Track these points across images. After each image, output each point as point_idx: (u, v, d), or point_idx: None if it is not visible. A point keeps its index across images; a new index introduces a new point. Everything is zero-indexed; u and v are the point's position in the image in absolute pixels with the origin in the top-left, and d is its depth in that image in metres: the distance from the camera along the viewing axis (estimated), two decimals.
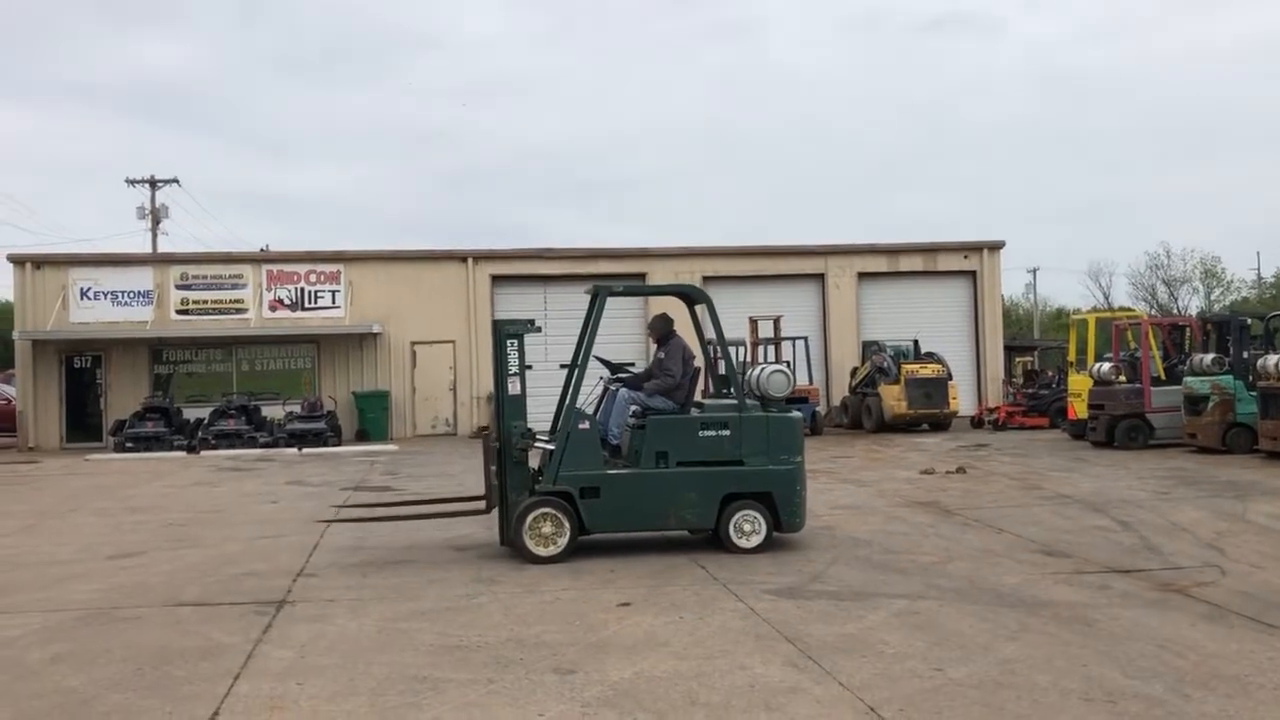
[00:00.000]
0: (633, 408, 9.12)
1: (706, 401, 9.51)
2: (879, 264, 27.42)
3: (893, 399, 22.61)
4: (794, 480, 8.96)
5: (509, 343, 8.83)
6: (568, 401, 8.88)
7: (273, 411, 23.75)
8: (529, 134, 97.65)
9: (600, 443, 8.90)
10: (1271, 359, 15.11)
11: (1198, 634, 6.37)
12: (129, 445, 21.81)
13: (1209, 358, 16.44)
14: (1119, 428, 17.33)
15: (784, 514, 8.92)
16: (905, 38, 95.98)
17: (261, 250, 30.25)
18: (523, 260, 26.18)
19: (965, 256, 27.64)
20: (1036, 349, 33.23)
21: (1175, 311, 52.88)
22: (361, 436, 24.51)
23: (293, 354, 25.76)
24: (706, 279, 25.65)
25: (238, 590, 7.90)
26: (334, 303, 25.80)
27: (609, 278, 24.53)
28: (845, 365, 26.06)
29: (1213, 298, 58.06)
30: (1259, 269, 59.67)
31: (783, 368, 9.47)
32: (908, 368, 22.89)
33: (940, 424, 22.96)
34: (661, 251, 26.88)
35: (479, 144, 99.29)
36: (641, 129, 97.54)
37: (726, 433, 8.86)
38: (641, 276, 25.35)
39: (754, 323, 22.29)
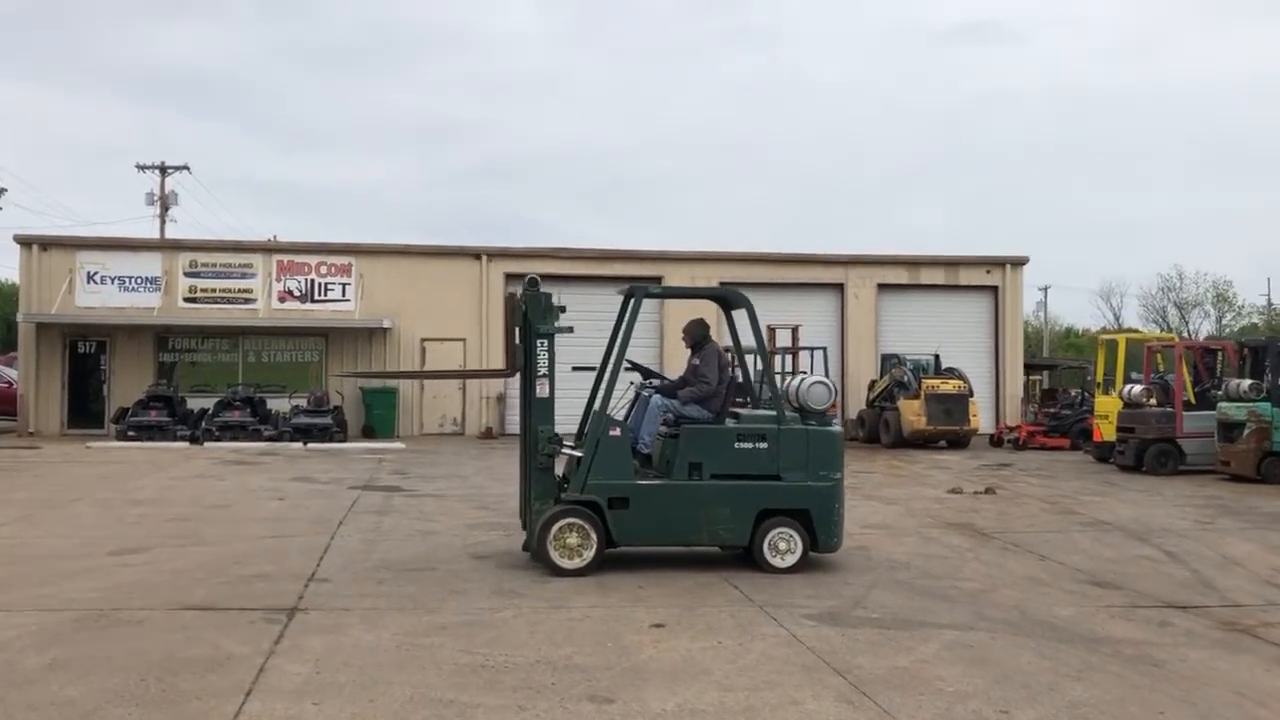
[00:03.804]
0: (665, 415, 8.69)
1: (743, 412, 9.07)
2: (899, 276, 26.97)
3: (912, 414, 22.16)
4: (833, 498, 8.53)
5: (539, 342, 8.40)
6: (598, 406, 8.45)
7: (278, 404, 23.34)
8: (546, 133, 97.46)
9: (631, 451, 8.47)
10: None
11: (1276, 681, 5.95)
12: (131, 434, 21.39)
13: (1246, 383, 15.98)
14: (1149, 452, 16.87)
15: (821, 533, 8.49)
16: (925, 48, 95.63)
17: (269, 240, 29.83)
18: (537, 259, 25.72)
19: (988, 271, 27.19)
20: (1057, 368, 32.78)
21: (1186, 334, 52.37)
22: (367, 433, 24.08)
23: (300, 346, 25.33)
24: (723, 284, 25.18)
25: (247, 594, 7.47)
26: (344, 296, 25.38)
27: (625, 279, 24.00)
28: (862, 377, 25.61)
29: (1224, 322, 57.56)
30: (1269, 295, 59.16)
31: (824, 379, 9.05)
32: (928, 383, 22.43)
33: (959, 442, 22.49)
34: (679, 255, 26.46)
35: (496, 142, 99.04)
36: (660, 133, 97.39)
37: (764, 445, 8.43)
38: (658, 279, 24.89)
39: (772, 331, 21.84)
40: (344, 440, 22.21)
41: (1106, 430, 18.77)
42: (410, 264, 25.75)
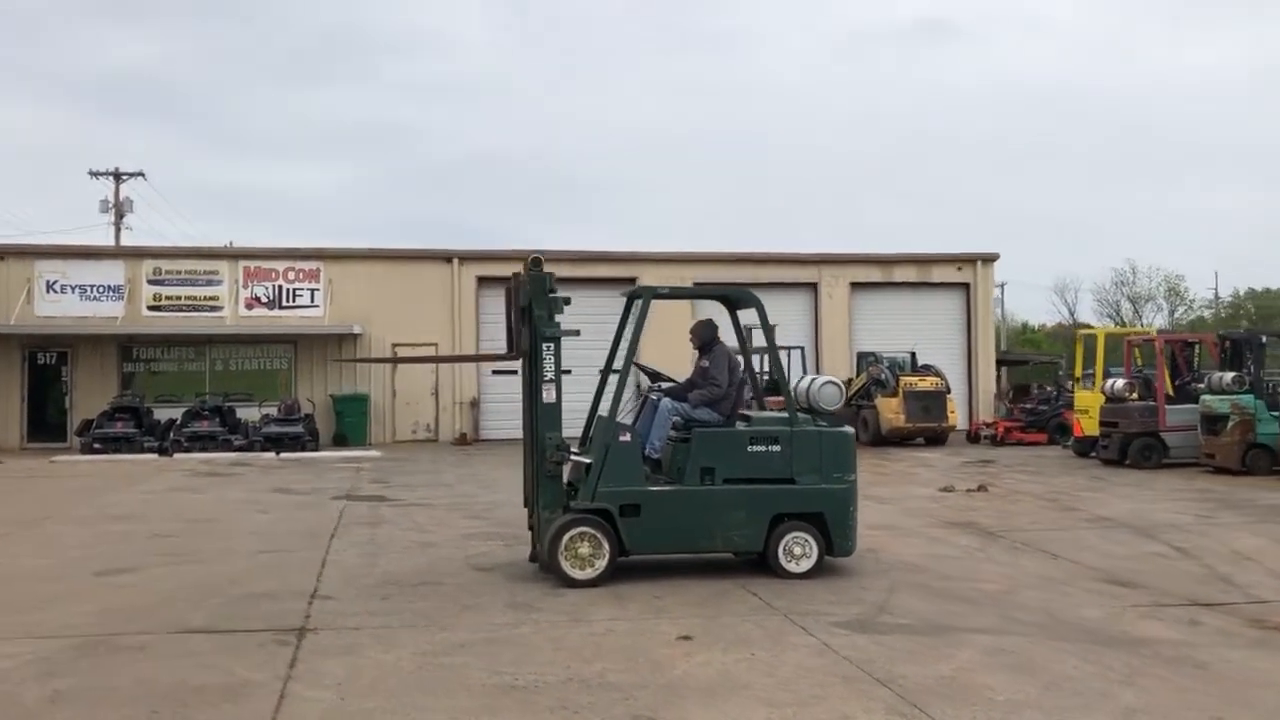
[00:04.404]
0: (674, 419, 8.45)
1: (754, 414, 8.86)
2: (872, 274, 26.95)
3: (890, 412, 22.10)
4: (848, 501, 8.35)
5: (545, 346, 8.13)
6: (607, 411, 8.20)
7: (247, 414, 22.82)
8: (510, 137, 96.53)
9: (641, 457, 8.23)
10: None
11: None
12: (97, 446, 20.80)
13: (1229, 376, 16.04)
14: (1133, 446, 16.89)
15: (836, 537, 8.30)
16: (880, 49, 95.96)
17: (229, 245, 29.24)
18: (510, 261, 25.31)
19: (958, 268, 27.25)
20: (1028, 363, 32.91)
21: (1140, 327, 52.98)
22: (339, 441, 23.63)
23: (269, 354, 24.80)
24: (697, 284, 25.01)
25: (250, 614, 7.14)
26: (313, 302, 24.89)
27: (600, 282, 23.91)
28: (838, 376, 25.49)
29: (1176, 315, 58.33)
30: (1216, 288, 60.14)
31: (835, 379, 8.87)
32: (906, 380, 22.38)
33: (937, 439, 22.47)
34: (653, 256, 26.26)
35: (449, 146, 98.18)
36: (620, 136, 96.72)
37: (777, 448, 8.23)
38: (632, 280, 24.61)
39: (749, 331, 21.65)
40: (316, 449, 21.75)
41: (1087, 425, 18.80)
42: (380, 268, 25.33)
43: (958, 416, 23.34)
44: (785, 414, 8.44)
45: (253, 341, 24.55)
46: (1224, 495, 13.34)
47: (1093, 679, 5.76)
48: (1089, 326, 56.36)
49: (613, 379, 8.59)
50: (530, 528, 8.63)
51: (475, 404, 25.15)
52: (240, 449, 20.97)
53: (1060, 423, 22.10)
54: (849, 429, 8.66)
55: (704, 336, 8.78)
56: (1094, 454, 18.30)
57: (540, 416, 8.16)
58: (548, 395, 8.15)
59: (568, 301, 8.28)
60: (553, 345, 8.15)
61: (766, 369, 20.99)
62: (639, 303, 8.42)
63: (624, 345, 8.56)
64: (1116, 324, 56.07)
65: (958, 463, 18.40)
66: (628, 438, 8.13)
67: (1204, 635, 6.74)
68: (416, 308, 24.94)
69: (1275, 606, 7.50)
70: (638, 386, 9.77)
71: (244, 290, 24.56)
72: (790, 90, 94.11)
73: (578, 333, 8.31)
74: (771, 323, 8.97)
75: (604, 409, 8.75)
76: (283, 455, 20.49)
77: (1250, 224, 78.73)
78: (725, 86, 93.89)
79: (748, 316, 9.16)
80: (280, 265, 24.85)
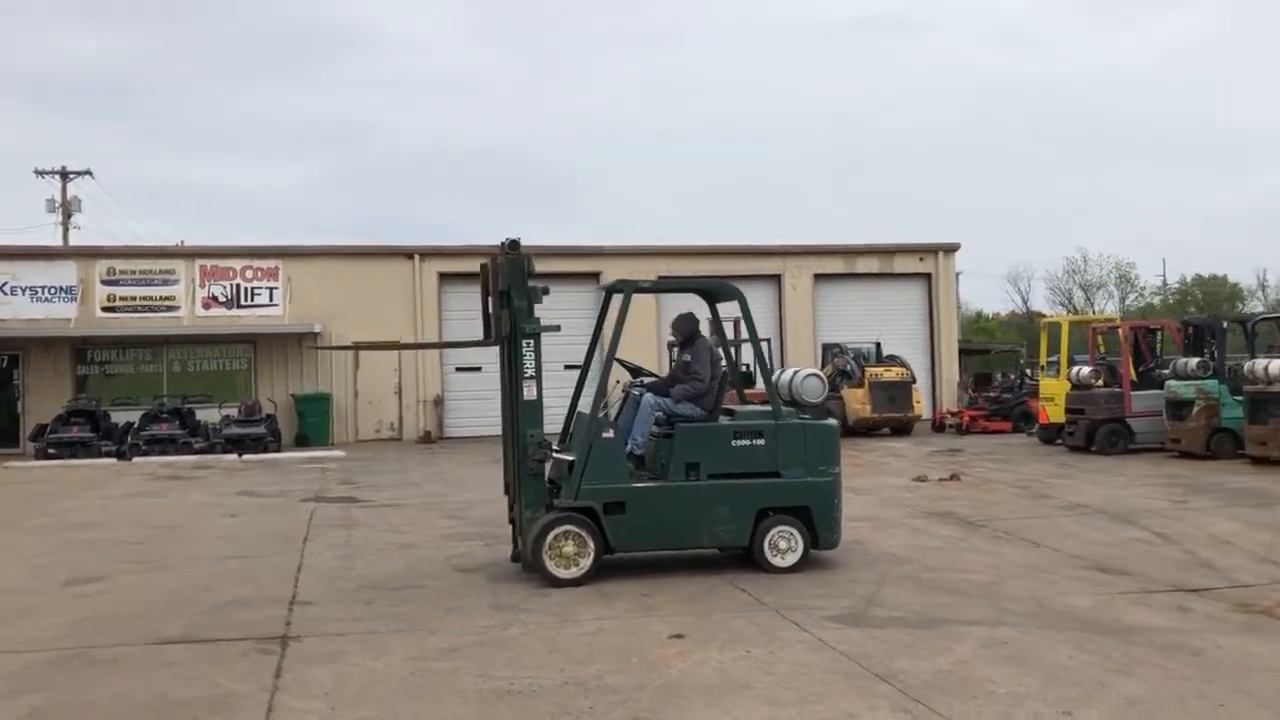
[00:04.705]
0: (657, 414, 8.34)
1: (737, 408, 8.77)
2: (835, 265, 26.99)
3: (857, 403, 22.13)
4: (833, 493, 8.28)
5: (525, 343, 7.98)
6: (591, 408, 8.07)
7: (207, 415, 22.40)
8: (470, 133, 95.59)
9: (624, 453, 8.11)
10: (1261, 363, 14.90)
11: None
12: (52, 452, 20.29)
13: (1194, 362, 16.21)
14: (1100, 432, 17.03)
15: (821, 530, 8.23)
16: (825, 39, 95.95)
17: (181, 244, 28.70)
18: (472, 257, 24.83)
19: (920, 259, 27.36)
20: (990, 351, 33.18)
21: (1091, 314, 53.67)
22: (301, 441, 23.27)
23: (227, 354, 24.37)
24: (661, 277, 24.90)
25: (229, 623, 6.94)
26: (272, 300, 24.48)
27: (563, 277, 23.63)
28: (803, 368, 25.52)
29: (1127, 302, 59.17)
30: (1164, 276, 61.21)
31: (818, 371, 8.80)
32: (872, 371, 22.44)
33: (904, 428, 22.54)
34: (617, 250, 26.11)
35: (414, 141, 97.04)
36: (587, 130, 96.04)
37: (761, 442, 8.15)
38: (596, 276, 24.51)
39: (729, 323, 21.61)
40: (279, 450, 21.41)
41: (1053, 412, 18.94)
42: (340, 265, 24.97)
43: (923, 406, 23.44)
44: (768, 407, 8.36)
45: (211, 342, 24.12)
46: (1192, 480, 13.46)
47: (1091, 669, 5.73)
48: (1043, 315, 57.28)
49: (595, 374, 8.46)
50: (511, 522, 8.50)
51: (439, 402, 24.89)
52: (201, 451, 20.59)
53: (1024, 410, 22.27)
54: (833, 421, 8.61)
55: (685, 330, 8.67)
56: (1059, 441, 18.45)
57: (521, 413, 8.01)
58: (529, 392, 8.01)
59: (546, 291, 8.16)
60: (533, 341, 8.01)
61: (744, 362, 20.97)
62: (619, 297, 8.29)
63: (605, 340, 8.43)
64: (1069, 311, 56.81)
65: (926, 452, 18.46)
66: (611, 434, 8.01)
67: (1194, 621, 6.75)
68: (378, 305, 24.58)
69: (1259, 590, 7.53)
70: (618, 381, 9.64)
71: (201, 290, 24.11)
72: (751, 82, 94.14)
73: (558, 328, 8.17)
74: (736, 315, 8.81)
75: (584, 405, 8.65)
76: (245, 457, 20.14)
77: (1200, 212, 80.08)
78: (688, 80, 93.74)
79: (728, 310, 9.07)
80: (238, 264, 24.42)
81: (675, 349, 9.66)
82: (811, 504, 8.19)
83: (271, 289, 24.53)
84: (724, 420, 8.38)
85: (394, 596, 7.62)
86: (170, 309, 23.94)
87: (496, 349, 8.39)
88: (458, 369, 25.29)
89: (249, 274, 24.43)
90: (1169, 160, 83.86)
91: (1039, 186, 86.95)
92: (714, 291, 9.08)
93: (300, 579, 8.29)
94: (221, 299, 24.21)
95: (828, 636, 6.39)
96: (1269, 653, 6.04)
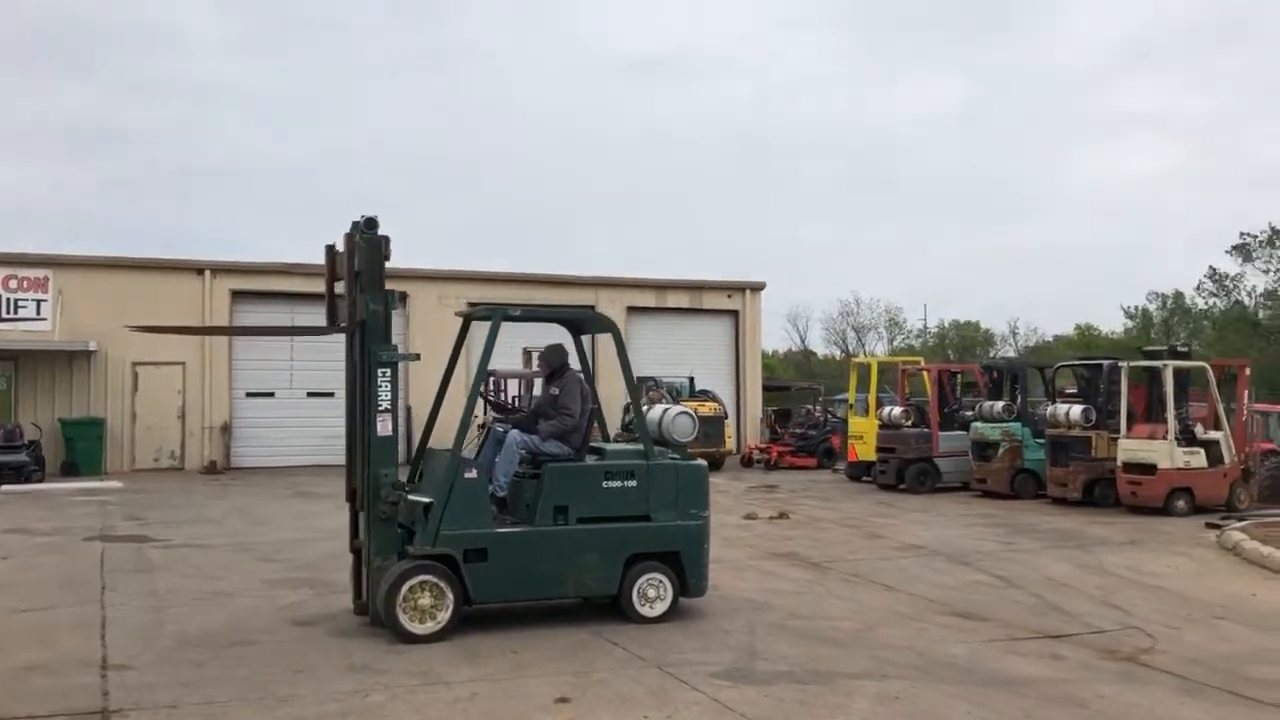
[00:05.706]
0: (521, 453, 7.78)
1: (607, 447, 8.31)
2: (648, 299, 26.97)
3: None
4: (703, 538, 7.95)
5: (381, 372, 7.29)
6: (454, 444, 7.42)
7: None
8: (228, 146, 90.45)
9: (487, 495, 7.51)
10: (1063, 407, 15.67)
11: (1197, 713, 5.94)
12: None
13: (999, 405, 16.92)
14: (910, 471, 17.52)
15: (691, 577, 7.88)
16: (606, 80, 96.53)
17: None
18: (268, 275, 23.63)
19: (729, 296, 27.74)
20: (790, 389, 33.97)
21: (862, 354, 56.30)
22: (69, 470, 21.10)
23: None
24: (471, 304, 24.20)
25: (27, 694, 5.90)
26: (39, 314, 22.21)
27: None
28: (614, 402, 25.26)
29: (895, 343, 62.42)
30: (925, 319, 65.33)
31: (688, 409, 8.47)
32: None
33: (716, 463, 22.58)
34: (422, 274, 25.02)
35: (171, 151, 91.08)
36: (384, 150, 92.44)
37: (633, 483, 7.72)
38: (404, 295, 23.51)
39: (528, 354, 21.14)
40: (43, 480, 19.34)
41: (862, 450, 19.40)
42: (120, 279, 22.89)
43: (734, 441, 23.62)
44: (638, 447, 7.94)
45: None
46: (1007, 519, 13.94)
47: None
48: (813, 352, 59.75)
49: (452, 407, 7.82)
50: (355, 575, 7.72)
51: (226, 429, 23.19)
52: None
53: (828, 447, 22.80)
54: (703, 462, 8.27)
55: (554, 362, 8.17)
56: (867, 478, 18.90)
57: (374, 451, 7.29)
58: (383, 427, 7.31)
59: (404, 295, 7.49)
60: (390, 370, 7.32)
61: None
62: (487, 325, 7.69)
63: (465, 369, 7.82)
64: (843, 352, 59.46)
65: (744, 488, 18.51)
66: (474, 474, 7.39)
67: (1071, 670, 6.77)
68: (162, 322, 22.68)
69: (1115, 636, 7.68)
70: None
71: None
72: (552, 114, 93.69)
73: (417, 357, 7.51)
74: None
75: (435, 442, 8.00)
76: (5, 488, 18.03)
77: (954, 258, 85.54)
78: (485, 106, 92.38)
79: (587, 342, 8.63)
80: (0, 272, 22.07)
81: (541, 381, 9.12)
82: (682, 549, 7.83)
83: (39, 301, 22.27)
84: (592, 460, 7.91)
85: (227, 656, 6.72)
86: None
87: (344, 375, 7.64)
88: (248, 394, 23.71)
89: (13, 284, 22.09)
90: (937, 209, 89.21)
91: (816, 230, 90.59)
92: (582, 323, 8.62)
93: (108, 636, 7.23)
94: None
95: (723, 696, 6.01)
96: (1151, 704, 6.09)
